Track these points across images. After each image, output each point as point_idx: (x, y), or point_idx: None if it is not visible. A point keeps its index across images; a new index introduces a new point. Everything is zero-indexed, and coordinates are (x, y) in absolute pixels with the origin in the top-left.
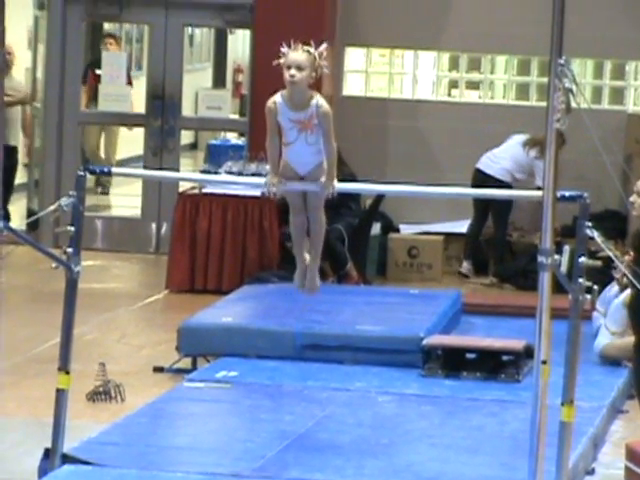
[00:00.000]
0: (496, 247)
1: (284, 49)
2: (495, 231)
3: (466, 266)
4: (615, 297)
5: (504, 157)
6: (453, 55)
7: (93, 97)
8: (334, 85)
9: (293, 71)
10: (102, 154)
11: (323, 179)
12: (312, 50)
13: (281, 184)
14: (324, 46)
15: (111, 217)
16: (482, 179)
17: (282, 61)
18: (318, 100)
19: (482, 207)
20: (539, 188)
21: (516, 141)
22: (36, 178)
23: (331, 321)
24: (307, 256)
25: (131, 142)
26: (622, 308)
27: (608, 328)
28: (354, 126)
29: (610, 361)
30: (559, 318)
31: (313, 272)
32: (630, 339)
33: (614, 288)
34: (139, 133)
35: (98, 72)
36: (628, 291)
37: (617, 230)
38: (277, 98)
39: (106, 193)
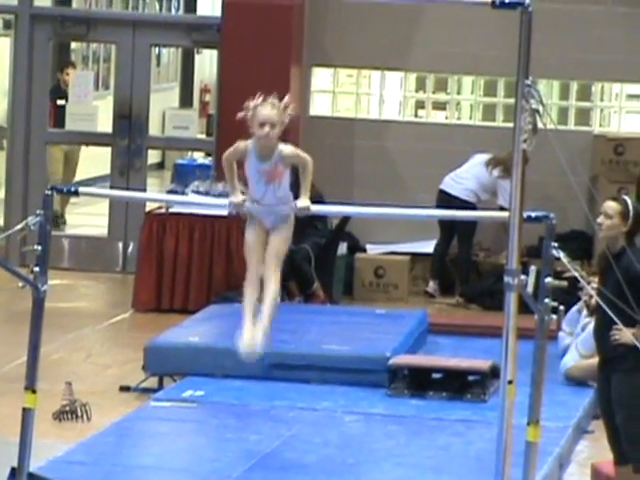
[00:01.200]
0: (461, 267)
1: (251, 102)
2: (460, 251)
3: (432, 286)
4: (581, 317)
5: (467, 177)
6: (420, 76)
7: (57, 124)
8: (301, 105)
9: (267, 129)
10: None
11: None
12: (277, 103)
13: (246, 202)
14: (287, 99)
15: (78, 236)
16: (446, 200)
17: (249, 114)
18: (280, 147)
19: (448, 227)
20: (502, 208)
21: (478, 161)
22: (2, 197)
23: (298, 341)
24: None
25: (97, 161)
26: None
27: (579, 350)
28: (321, 146)
29: (575, 381)
30: (525, 338)
31: (260, 333)
32: (594, 361)
33: (578, 306)
34: (105, 152)
35: (60, 102)
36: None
37: (583, 250)
38: (249, 143)
39: (60, 224)
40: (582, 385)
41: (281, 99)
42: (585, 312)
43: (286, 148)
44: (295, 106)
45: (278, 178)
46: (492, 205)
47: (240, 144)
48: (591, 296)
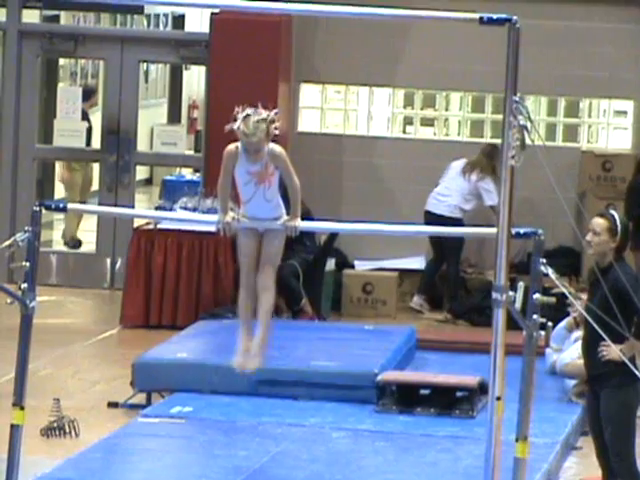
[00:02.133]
0: (449, 283)
1: (238, 114)
2: (447, 268)
3: (416, 300)
4: (570, 334)
5: (448, 194)
6: (408, 92)
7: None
8: (289, 121)
9: (253, 139)
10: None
11: (284, 218)
12: (264, 116)
13: (234, 222)
14: (275, 112)
15: (66, 252)
16: (433, 220)
17: (235, 127)
18: (269, 147)
19: (437, 245)
20: (492, 207)
21: (455, 172)
22: None
23: (286, 357)
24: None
25: None
26: (564, 330)
27: (552, 346)
28: (309, 162)
29: (573, 377)
30: (513, 354)
31: (258, 348)
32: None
33: (565, 323)
34: (94, 168)
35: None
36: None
37: (571, 267)
38: (239, 145)
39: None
40: (570, 402)
41: (266, 109)
42: (575, 331)
43: (277, 147)
44: (280, 117)
45: (268, 179)
46: (481, 209)
47: (230, 148)
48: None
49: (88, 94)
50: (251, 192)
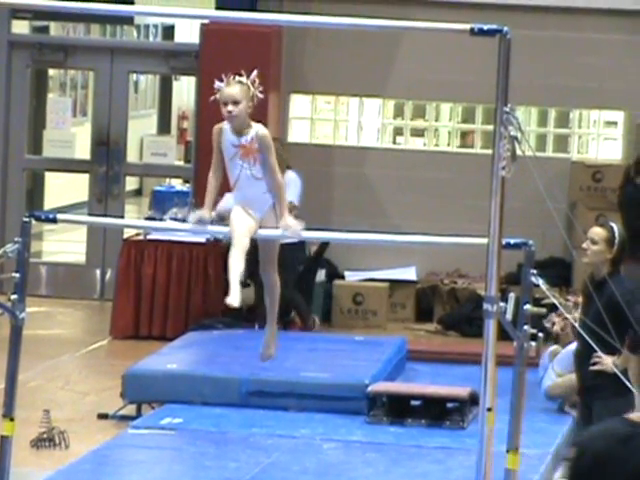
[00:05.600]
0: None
1: (217, 84)
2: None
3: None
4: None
5: None
6: (398, 102)
7: None
8: (279, 132)
9: (230, 107)
10: None
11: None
12: (244, 80)
13: (209, 218)
14: (255, 73)
15: (55, 263)
16: None
17: (218, 97)
18: (258, 127)
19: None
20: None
21: None
22: None
23: (276, 368)
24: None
25: (75, 188)
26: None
27: (554, 370)
28: (299, 173)
29: (556, 399)
30: (504, 365)
31: (267, 339)
32: (569, 377)
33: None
34: (83, 179)
35: None
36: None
37: (562, 277)
38: (223, 124)
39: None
40: (561, 412)
41: (249, 76)
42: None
43: (263, 129)
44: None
45: (253, 155)
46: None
47: (216, 126)
48: (553, 323)
49: None
50: (237, 169)
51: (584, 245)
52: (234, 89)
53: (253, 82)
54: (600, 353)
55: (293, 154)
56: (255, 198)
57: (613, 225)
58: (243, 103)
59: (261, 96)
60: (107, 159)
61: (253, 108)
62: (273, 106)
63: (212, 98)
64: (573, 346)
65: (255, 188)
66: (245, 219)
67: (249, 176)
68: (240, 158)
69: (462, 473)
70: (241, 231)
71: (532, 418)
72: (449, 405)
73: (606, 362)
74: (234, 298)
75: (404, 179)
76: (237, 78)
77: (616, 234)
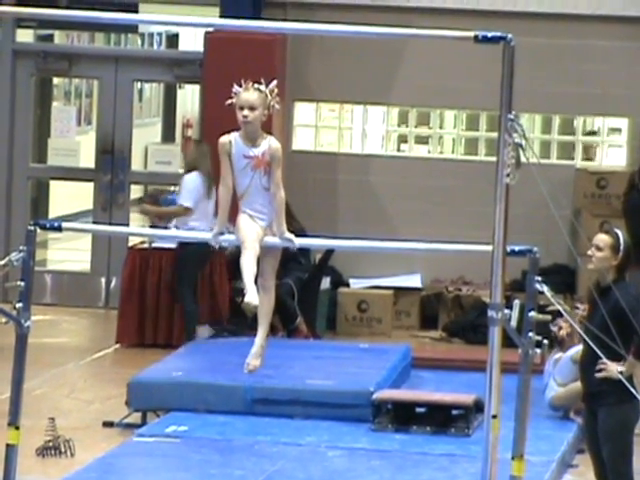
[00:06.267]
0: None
1: (236, 89)
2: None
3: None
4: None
5: None
6: (402, 110)
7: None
8: (284, 140)
9: (246, 112)
10: None
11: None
12: (263, 88)
13: (222, 235)
14: (274, 83)
15: (60, 272)
16: None
17: (234, 101)
18: (271, 139)
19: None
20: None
21: None
22: None
23: (281, 375)
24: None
25: (79, 197)
26: (570, 363)
27: (556, 380)
28: (304, 180)
29: (560, 409)
30: (509, 372)
31: (260, 348)
32: (572, 386)
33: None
34: (88, 188)
35: None
36: (577, 347)
37: (566, 284)
38: (232, 135)
39: None
40: (566, 419)
41: (268, 84)
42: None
43: (276, 142)
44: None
45: (264, 166)
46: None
47: (222, 139)
48: (560, 327)
49: None
50: (248, 179)
51: (589, 252)
52: (252, 95)
53: (272, 91)
54: (605, 360)
55: (297, 162)
56: (263, 207)
57: (618, 232)
58: (259, 110)
59: (277, 107)
60: (112, 167)
61: (268, 116)
62: (277, 114)
63: (229, 102)
64: (572, 351)
65: (263, 198)
66: (253, 226)
67: (259, 186)
68: (252, 169)
69: None
70: (252, 237)
71: (537, 425)
72: (454, 412)
73: (611, 369)
74: (252, 296)
75: (408, 186)
76: (256, 85)
77: (621, 241)
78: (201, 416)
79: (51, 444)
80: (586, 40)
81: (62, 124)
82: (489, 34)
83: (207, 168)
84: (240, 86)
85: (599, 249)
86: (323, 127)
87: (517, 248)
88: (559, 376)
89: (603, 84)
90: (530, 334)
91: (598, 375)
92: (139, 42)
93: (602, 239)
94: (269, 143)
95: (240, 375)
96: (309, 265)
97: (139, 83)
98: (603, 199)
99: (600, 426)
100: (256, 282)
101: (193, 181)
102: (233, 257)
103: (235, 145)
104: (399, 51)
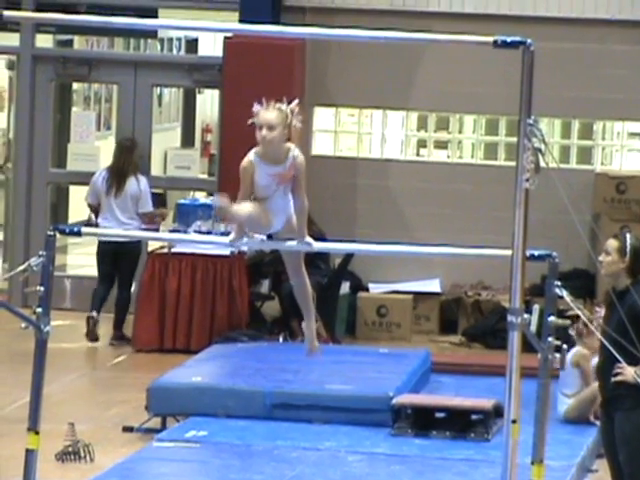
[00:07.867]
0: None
1: (256, 107)
2: (120, 292)
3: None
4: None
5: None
6: (421, 115)
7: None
8: (303, 145)
9: (265, 131)
10: None
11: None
12: (284, 107)
13: (245, 239)
14: (295, 102)
15: (80, 277)
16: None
17: (255, 120)
18: (294, 152)
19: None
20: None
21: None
22: (5, 238)
23: (300, 380)
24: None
25: None
26: (571, 369)
27: (563, 393)
28: (323, 185)
29: (574, 420)
30: (528, 377)
31: (309, 334)
32: (582, 395)
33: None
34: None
35: None
36: (574, 350)
37: (586, 289)
38: (251, 156)
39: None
40: (585, 424)
41: (289, 103)
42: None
43: (301, 156)
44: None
45: (289, 181)
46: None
47: (244, 161)
48: (584, 323)
49: None
50: (272, 190)
51: (600, 257)
52: (271, 114)
53: (292, 111)
54: (623, 364)
55: (317, 167)
56: (281, 209)
57: (627, 235)
58: (278, 129)
59: (299, 126)
60: None
61: (288, 136)
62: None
63: (250, 121)
64: (570, 354)
65: (285, 201)
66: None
67: (281, 194)
68: (276, 185)
69: None
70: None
71: (556, 430)
72: (474, 417)
73: (628, 372)
74: (222, 200)
75: (428, 191)
76: (277, 105)
77: (627, 244)
78: (221, 421)
79: (71, 449)
80: (606, 45)
81: (81, 129)
82: (508, 39)
83: (118, 164)
84: (261, 104)
85: (607, 254)
86: (342, 132)
87: (536, 253)
88: (565, 388)
89: (622, 88)
90: (549, 339)
91: (615, 379)
92: (158, 47)
93: (610, 243)
94: (293, 156)
95: (259, 380)
96: (328, 270)
97: (158, 88)
98: (623, 204)
99: (617, 430)
100: (278, 287)
101: (94, 177)
102: (252, 262)
103: (257, 166)
104: (418, 56)
